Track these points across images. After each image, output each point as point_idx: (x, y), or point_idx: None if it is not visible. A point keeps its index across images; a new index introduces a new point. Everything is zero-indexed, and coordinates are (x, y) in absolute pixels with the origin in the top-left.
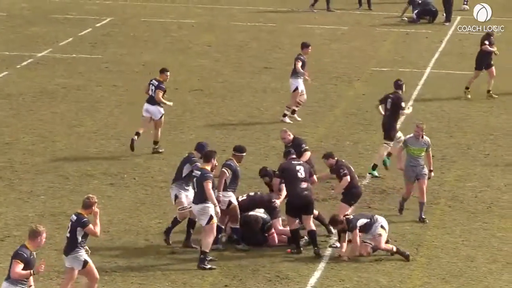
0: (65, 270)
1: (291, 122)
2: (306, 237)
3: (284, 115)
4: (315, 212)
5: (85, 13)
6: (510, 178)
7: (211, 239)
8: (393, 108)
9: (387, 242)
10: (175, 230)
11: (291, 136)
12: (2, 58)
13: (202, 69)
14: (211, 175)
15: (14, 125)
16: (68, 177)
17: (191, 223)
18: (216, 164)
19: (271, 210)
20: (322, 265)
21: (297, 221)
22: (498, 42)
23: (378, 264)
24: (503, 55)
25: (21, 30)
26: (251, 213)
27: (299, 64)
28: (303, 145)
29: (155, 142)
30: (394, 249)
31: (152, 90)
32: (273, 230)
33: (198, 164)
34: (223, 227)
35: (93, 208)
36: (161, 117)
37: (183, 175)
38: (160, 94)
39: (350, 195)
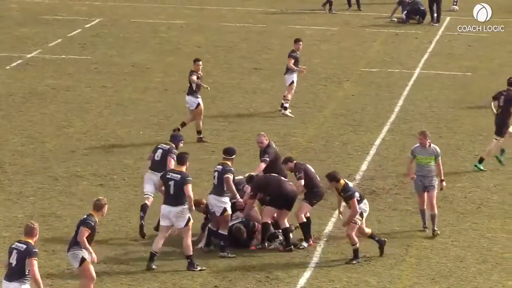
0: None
1: (292, 115)
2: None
3: (285, 108)
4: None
5: (74, 14)
6: (500, 179)
7: (190, 241)
8: (506, 104)
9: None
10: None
11: (267, 141)
12: None
13: None
14: (191, 178)
15: (3, 126)
16: (57, 178)
17: None
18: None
19: None
20: (312, 266)
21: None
22: (491, 42)
23: (367, 264)
24: (496, 55)
25: (10, 31)
26: (231, 223)
27: (292, 61)
28: (266, 156)
29: (198, 132)
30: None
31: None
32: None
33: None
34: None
35: (104, 210)
36: (197, 106)
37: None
38: (193, 77)
39: (312, 194)
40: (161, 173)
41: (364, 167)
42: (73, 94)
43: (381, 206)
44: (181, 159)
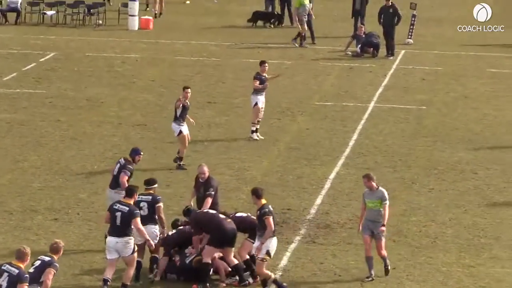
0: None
1: (260, 138)
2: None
3: (252, 132)
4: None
5: (29, 48)
6: (455, 212)
7: (131, 271)
8: None
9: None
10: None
11: (208, 174)
12: None
13: (146, 104)
14: (138, 212)
15: None
16: (12, 213)
17: None
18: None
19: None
20: None
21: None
22: (445, 76)
23: None
24: (451, 88)
25: None
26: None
27: (257, 82)
28: (211, 190)
29: (180, 158)
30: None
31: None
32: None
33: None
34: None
35: (61, 253)
36: (179, 133)
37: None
38: (177, 110)
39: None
40: (117, 190)
41: (318, 201)
42: (27, 128)
43: (335, 240)
44: (129, 192)
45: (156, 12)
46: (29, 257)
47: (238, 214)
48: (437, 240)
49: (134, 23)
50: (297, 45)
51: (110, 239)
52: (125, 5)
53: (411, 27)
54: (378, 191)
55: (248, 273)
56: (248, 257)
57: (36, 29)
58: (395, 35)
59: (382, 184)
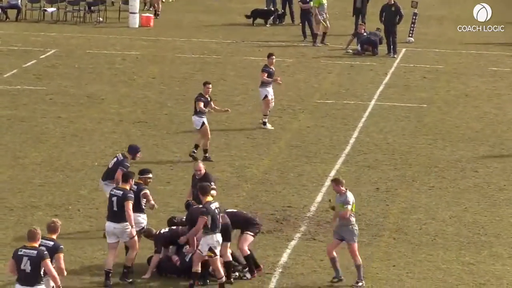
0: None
1: (272, 128)
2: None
3: (264, 123)
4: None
5: (29, 45)
6: (455, 210)
7: (134, 254)
8: None
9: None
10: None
11: (204, 170)
12: None
13: (147, 101)
14: (132, 195)
15: None
16: (12, 209)
17: None
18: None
19: None
20: None
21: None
22: (446, 74)
23: None
24: (452, 86)
25: None
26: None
27: (265, 75)
28: (213, 184)
29: (205, 151)
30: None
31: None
32: None
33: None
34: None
35: (58, 232)
36: (201, 125)
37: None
38: (200, 104)
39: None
40: (106, 182)
41: (319, 198)
42: (28, 124)
43: None
44: (125, 178)
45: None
46: (40, 236)
47: (228, 210)
48: (437, 237)
49: (135, 20)
50: (319, 44)
51: (108, 224)
52: (126, 2)
53: (412, 25)
54: (343, 195)
55: (246, 269)
56: (249, 251)
57: (36, 26)
58: (396, 33)
59: (351, 188)
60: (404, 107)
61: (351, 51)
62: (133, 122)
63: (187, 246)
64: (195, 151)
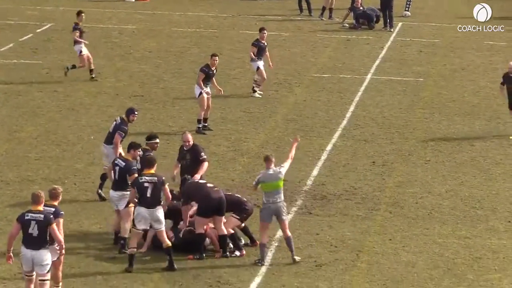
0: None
1: (261, 95)
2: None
3: (254, 91)
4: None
5: (26, 19)
6: (451, 184)
7: (128, 224)
8: None
9: None
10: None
11: (192, 142)
12: None
13: (143, 75)
14: (136, 168)
15: None
16: (8, 183)
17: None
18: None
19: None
20: (263, 271)
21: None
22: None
23: (319, 270)
24: (448, 61)
25: None
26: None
27: (255, 50)
28: (202, 154)
29: (198, 121)
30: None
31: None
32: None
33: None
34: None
35: (60, 198)
36: (199, 95)
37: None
38: (200, 77)
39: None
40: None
41: (315, 172)
42: (24, 98)
43: (332, 211)
44: (129, 147)
45: None
46: (44, 200)
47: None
48: (433, 211)
49: None
50: (324, 19)
51: (110, 192)
52: None
53: None
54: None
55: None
56: (232, 231)
57: (33, 0)
58: (393, 7)
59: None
60: (401, 81)
61: (347, 25)
62: (129, 96)
63: (181, 222)
64: (205, 124)
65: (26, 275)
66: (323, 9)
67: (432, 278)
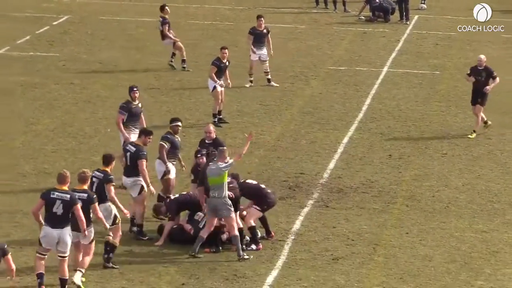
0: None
1: (277, 85)
2: (247, 237)
3: (269, 80)
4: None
5: (42, 11)
6: (468, 178)
7: (142, 211)
8: None
9: None
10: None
11: (214, 134)
12: None
13: (159, 67)
14: (146, 153)
15: None
16: (25, 175)
17: None
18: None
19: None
20: (279, 264)
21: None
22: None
23: (335, 263)
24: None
25: None
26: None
27: (250, 38)
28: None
29: (213, 115)
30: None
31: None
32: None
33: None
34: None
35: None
36: (213, 89)
37: None
38: (212, 71)
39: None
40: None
41: (331, 165)
42: (41, 91)
43: (348, 204)
44: (139, 134)
45: None
46: (69, 180)
47: (248, 181)
48: (450, 205)
49: None
50: (338, 12)
51: (123, 178)
52: None
53: None
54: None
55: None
56: (253, 224)
57: None
58: (409, 0)
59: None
60: (417, 74)
61: (363, 17)
62: (145, 89)
63: (199, 213)
64: (221, 117)
65: (42, 254)
66: (335, 2)
67: (449, 272)
